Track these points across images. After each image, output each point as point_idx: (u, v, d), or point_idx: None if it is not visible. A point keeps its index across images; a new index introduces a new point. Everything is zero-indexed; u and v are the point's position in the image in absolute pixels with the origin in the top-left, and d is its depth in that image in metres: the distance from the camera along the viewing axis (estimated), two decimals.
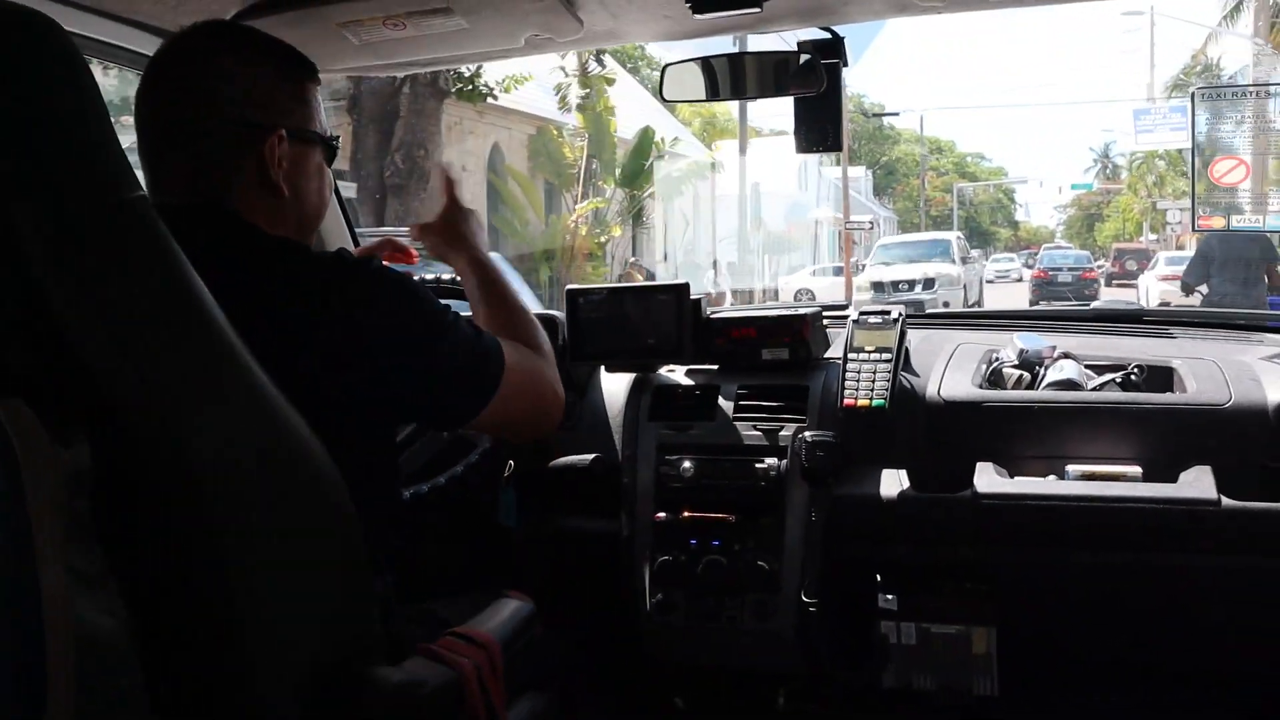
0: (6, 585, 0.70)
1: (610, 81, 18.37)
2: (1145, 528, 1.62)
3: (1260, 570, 1.63)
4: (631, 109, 20.76)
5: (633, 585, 1.84)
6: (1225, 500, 1.57)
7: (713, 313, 2.01)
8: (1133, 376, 1.83)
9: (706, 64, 1.89)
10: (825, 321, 2.05)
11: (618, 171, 18.92)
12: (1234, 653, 1.76)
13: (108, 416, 0.80)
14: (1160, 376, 1.84)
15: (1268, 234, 7.16)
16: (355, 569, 1.02)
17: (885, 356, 1.79)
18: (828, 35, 1.80)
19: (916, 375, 1.87)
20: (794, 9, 1.74)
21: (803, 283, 24.45)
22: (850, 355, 1.81)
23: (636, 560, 1.84)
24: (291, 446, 0.95)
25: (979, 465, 1.72)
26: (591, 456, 1.90)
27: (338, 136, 1.34)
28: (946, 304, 17.15)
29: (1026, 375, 1.87)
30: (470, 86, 13.84)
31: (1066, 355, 1.88)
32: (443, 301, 1.24)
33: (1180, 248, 19.22)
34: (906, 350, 1.89)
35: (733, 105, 22.00)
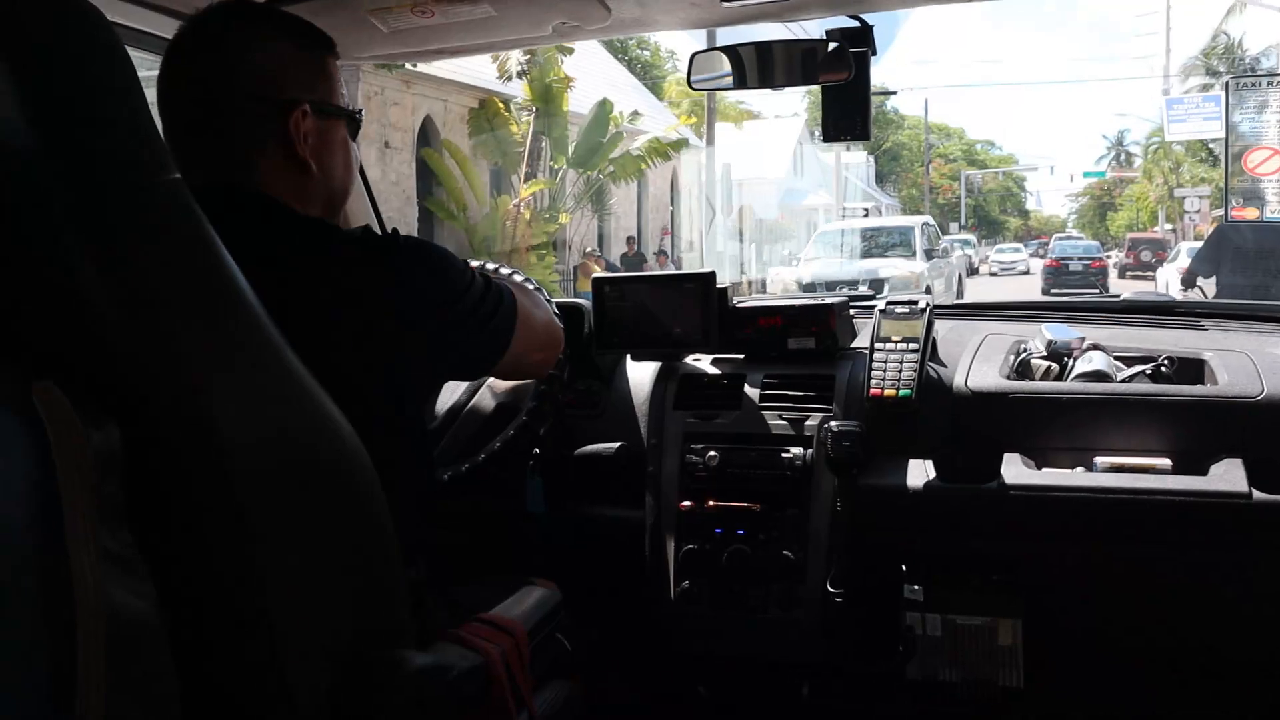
0: (38, 566, 0.71)
1: (568, 51, 16.41)
2: (1175, 521, 1.60)
3: None
4: (597, 84, 18.92)
5: (657, 574, 1.85)
6: (1257, 493, 1.56)
7: (739, 302, 2.01)
8: (1163, 368, 1.81)
9: (734, 52, 1.88)
10: (852, 311, 2.05)
11: (571, 149, 17.15)
12: (1263, 647, 1.75)
13: (138, 398, 0.80)
14: (1191, 368, 1.82)
15: None
16: (386, 555, 1.02)
17: (913, 347, 1.78)
18: (856, 23, 1.79)
19: (944, 365, 1.86)
20: None
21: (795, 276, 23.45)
22: (877, 345, 1.81)
23: (661, 549, 1.85)
24: (322, 430, 0.95)
25: (1006, 456, 1.71)
26: (617, 445, 1.91)
27: (360, 109, 1.34)
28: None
29: (1055, 366, 1.86)
30: None
31: (1096, 346, 1.86)
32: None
33: (1199, 238, 18.83)
34: (934, 340, 1.88)
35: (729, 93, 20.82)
